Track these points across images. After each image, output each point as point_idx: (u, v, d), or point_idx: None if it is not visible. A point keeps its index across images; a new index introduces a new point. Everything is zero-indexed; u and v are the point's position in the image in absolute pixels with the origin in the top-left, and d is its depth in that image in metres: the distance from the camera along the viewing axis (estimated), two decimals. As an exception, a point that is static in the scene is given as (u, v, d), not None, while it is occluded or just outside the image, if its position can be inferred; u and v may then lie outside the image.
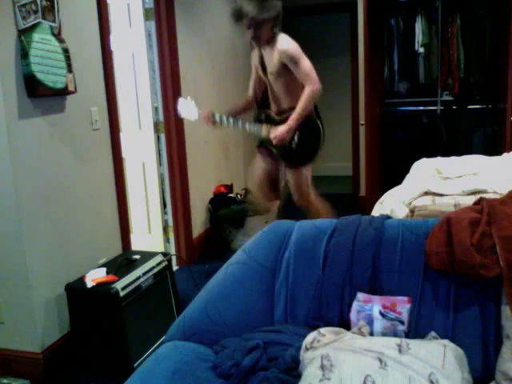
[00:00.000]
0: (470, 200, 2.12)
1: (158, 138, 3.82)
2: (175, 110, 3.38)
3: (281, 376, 1.37)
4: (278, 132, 3.04)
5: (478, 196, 2.03)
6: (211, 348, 1.56)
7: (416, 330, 1.47)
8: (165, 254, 2.90)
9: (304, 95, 3.00)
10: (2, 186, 2.29)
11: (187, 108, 3.17)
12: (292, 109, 3.06)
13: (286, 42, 3.08)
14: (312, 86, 2.99)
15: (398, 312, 1.47)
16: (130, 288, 2.51)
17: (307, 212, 3.41)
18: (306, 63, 3.03)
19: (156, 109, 3.78)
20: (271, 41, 3.11)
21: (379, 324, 1.48)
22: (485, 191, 2.44)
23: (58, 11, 2.42)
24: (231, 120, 3.19)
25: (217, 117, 3.16)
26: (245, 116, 3.38)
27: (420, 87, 5.26)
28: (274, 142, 3.08)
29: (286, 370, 1.40)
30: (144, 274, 2.65)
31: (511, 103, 4.12)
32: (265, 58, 3.15)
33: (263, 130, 3.18)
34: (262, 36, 3.08)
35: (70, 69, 2.48)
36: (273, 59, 3.07)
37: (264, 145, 3.27)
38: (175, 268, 3.79)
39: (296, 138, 3.10)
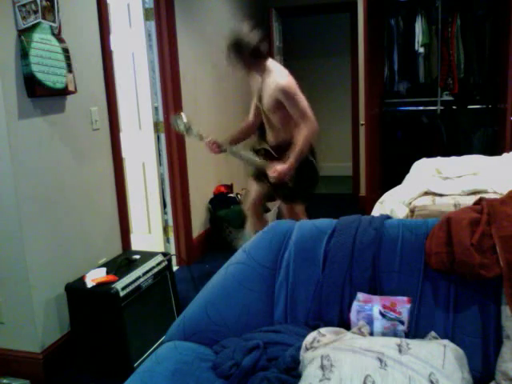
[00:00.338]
0: (469, 200, 2.12)
1: (158, 138, 3.83)
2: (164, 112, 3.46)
3: (281, 376, 1.37)
4: (279, 169, 2.97)
5: (477, 196, 2.03)
6: (211, 348, 1.56)
7: (416, 330, 1.47)
8: (165, 254, 2.90)
9: (301, 135, 2.91)
10: (2, 186, 2.29)
11: (181, 123, 3.12)
12: (287, 141, 3.00)
13: (282, 78, 2.95)
14: (309, 125, 2.91)
15: (398, 312, 1.47)
16: (130, 288, 2.51)
17: None
18: (301, 101, 2.93)
19: (156, 109, 3.78)
20: (261, 70, 3.01)
21: (379, 324, 1.48)
22: (485, 191, 2.44)
23: (58, 11, 2.42)
24: (233, 150, 3.16)
25: (229, 149, 3.16)
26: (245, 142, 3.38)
27: (420, 87, 5.26)
28: (273, 179, 3.02)
29: (286, 369, 1.40)
30: (144, 274, 2.65)
31: (511, 103, 4.12)
32: (263, 88, 3.04)
33: (261, 163, 3.11)
34: (244, 65, 3.00)
35: (70, 69, 2.48)
36: (269, 91, 2.98)
37: (259, 177, 3.20)
38: (175, 268, 3.79)
39: (294, 177, 3.03)
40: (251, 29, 3.01)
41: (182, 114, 3.13)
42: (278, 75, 2.97)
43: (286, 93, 2.91)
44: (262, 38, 3.00)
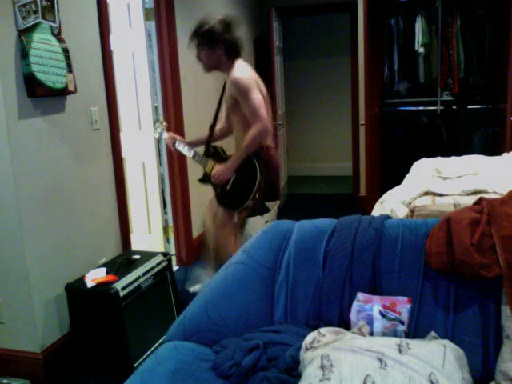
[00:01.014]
0: (469, 200, 2.12)
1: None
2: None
3: (281, 376, 1.37)
4: (218, 169, 2.87)
5: (478, 196, 2.03)
6: (211, 348, 1.56)
7: (416, 330, 1.47)
8: (165, 254, 2.90)
9: (248, 134, 2.74)
10: (1, 186, 2.29)
11: (160, 130, 3.32)
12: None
13: (237, 71, 2.80)
14: (258, 125, 2.70)
15: (397, 312, 1.47)
16: (130, 288, 2.51)
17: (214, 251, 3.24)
18: (255, 97, 2.71)
19: (156, 109, 3.78)
20: (222, 68, 2.89)
21: (379, 324, 1.48)
22: (485, 191, 2.43)
23: (58, 11, 2.42)
24: (185, 149, 3.16)
25: (176, 144, 3.21)
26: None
27: (420, 87, 5.26)
28: (213, 179, 2.92)
29: (286, 369, 1.40)
30: (144, 274, 2.65)
31: (511, 103, 4.12)
32: (226, 86, 2.93)
33: (208, 164, 3.05)
34: (206, 57, 2.89)
35: (70, 69, 2.48)
36: (228, 89, 2.86)
37: (205, 180, 3.10)
38: (175, 268, 3.79)
39: (232, 179, 2.88)
40: (230, 23, 2.90)
41: (163, 124, 3.33)
42: (235, 70, 2.81)
43: (237, 86, 2.74)
44: (236, 36, 2.89)
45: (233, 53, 2.85)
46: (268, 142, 2.91)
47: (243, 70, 2.84)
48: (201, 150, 3.20)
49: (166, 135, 3.28)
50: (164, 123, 3.34)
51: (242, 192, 2.88)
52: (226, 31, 2.85)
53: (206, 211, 3.42)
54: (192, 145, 3.21)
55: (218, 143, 3.20)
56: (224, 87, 3.01)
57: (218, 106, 3.11)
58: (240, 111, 2.84)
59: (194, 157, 3.15)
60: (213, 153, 3.08)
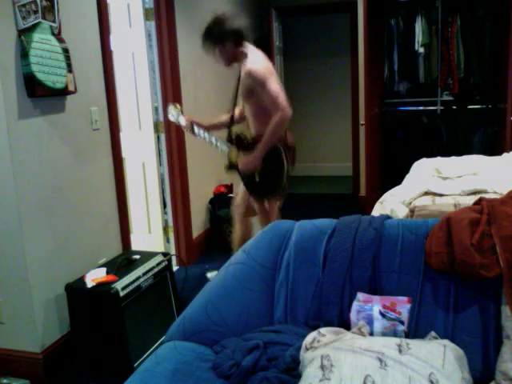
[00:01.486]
0: (469, 200, 2.12)
1: (158, 138, 3.83)
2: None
3: (281, 376, 1.37)
4: (245, 161, 2.89)
5: (478, 196, 2.03)
6: (211, 348, 1.56)
7: (416, 330, 1.47)
8: (165, 254, 2.90)
9: (271, 123, 2.76)
10: (1, 185, 2.29)
11: (175, 114, 3.21)
12: (261, 136, 2.86)
13: (252, 62, 2.82)
14: (280, 113, 2.72)
15: (397, 312, 1.47)
16: (130, 288, 2.51)
17: None
18: (273, 87, 2.74)
19: (156, 109, 3.78)
20: (238, 59, 2.92)
21: (379, 324, 1.48)
22: (485, 191, 2.43)
23: (57, 11, 2.42)
24: (207, 135, 3.12)
25: (195, 130, 3.15)
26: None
27: (420, 87, 5.26)
28: (241, 169, 2.93)
29: (286, 370, 1.40)
30: (144, 274, 2.65)
31: (511, 103, 4.12)
32: (240, 76, 2.95)
33: (232, 153, 3.03)
34: (222, 55, 2.93)
35: (70, 69, 2.48)
36: (242, 79, 2.89)
37: (230, 169, 3.09)
38: (175, 268, 3.79)
39: (260, 169, 2.89)
40: (227, 16, 2.95)
41: (177, 106, 3.22)
42: (249, 61, 2.84)
43: (254, 77, 2.77)
44: (237, 24, 2.92)
45: (241, 40, 2.89)
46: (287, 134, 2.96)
47: (257, 61, 2.86)
48: (218, 134, 3.18)
49: (182, 120, 3.17)
50: (178, 106, 3.24)
51: (271, 180, 2.90)
52: (227, 24, 2.89)
53: (237, 202, 3.36)
54: (211, 128, 3.19)
55: (237, 128, 3.17)
56: (239, 75, 3.02)
57: (235, 92, 3.13)
58: (254, 101, 2.88)
59: (216, 145, 3.11)
60: (236, 139, 3.05)
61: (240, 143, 3.02)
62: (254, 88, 2.81)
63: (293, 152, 3.09)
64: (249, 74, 2.80)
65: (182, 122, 3.18)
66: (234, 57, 2.92)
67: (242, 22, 2.91)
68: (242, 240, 3.19)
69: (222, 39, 2.88)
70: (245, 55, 2.88)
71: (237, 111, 3.19)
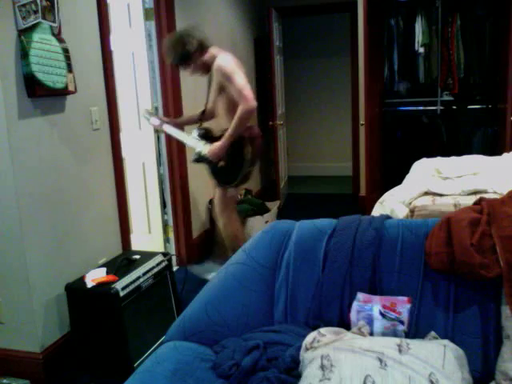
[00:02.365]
0: (469, 200, 2.12)
1: (158, 138, 3.83)
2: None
3: (281, 376, 1.37)
4: (213, 147, 3.10)
5: (478, 196, 2.03)
6: (211, 348, 1.56)
7: (416, 330, 1.47)
8: (165, 254, 2.90)
9: (236, 114, 2.97)
10: (2, 185, 2.29)
11: (147, 116, 3.44)
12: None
13: (220, 60, 3.07)
14: (245, 104, 2.93)
15: (397, 312, 1.47)
16: (130, 288, 2.51)
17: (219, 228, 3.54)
18: (239, 80, 2.96)
19: (156, 109, 3.78)
20: (208, 65, 3.15)
21: (379, 324, 1.48)
22: (485, 191, 2.44)
23: (57, 11, 2.42)
24: (177, 132, 3.36)
25: (167, 128, 3.38)
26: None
27: (420, 87, 5.26)
28: (208, 156, 3.13)
29: (286, 369, 1.40)
30: (144, 273, 2.65)
31: (511, 103, 4.12)
32: (211, 74, 3.20)
33: (202, 146, 3.20)
34: (195, 70, 3.21)
35: (70, 69, 2.48)
36: (214, 77, 3.12)
37: (198, 160, 3.28)
38: (175, 268, 3.79)
39: (224, 157, 3.12)
40: (189, 31, 3.18)
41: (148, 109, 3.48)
42: (218, 60, 3.08)
43: (222, 73, 3.01)
44: (192, 34, 3.15)
45: (204, 49, 3.16)
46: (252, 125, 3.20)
47: (225, 59, 3.09)
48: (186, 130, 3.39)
49: (154, 120, 3.40)
50: (149, 109, 3.48)
51: (233, 168, 3.13)
52: (187, 41, 3.12)
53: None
54: (181, 125, 3.44)
55: (205, 124, 3.43)
56: (211, 75, 3.24)
57: (208, 91, 3.35)
58: (225, 96, 3.10)
59: (186, 141, 3.34)
60: (203, 134, 3.27)
61: (209, 137, 3.24)
62: (223, 83, 3.04)
63: (258, 143, 3.28)
64: (218, 71, 3.04)
65: (154, 122, 3.40)
66: (207, 65, 3.17)
67: (199, 33, 3.16)
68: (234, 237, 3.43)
69: (190, 58, 3.13)
70: (214, 57, 3.12)
71: (208, 107, 3.42)
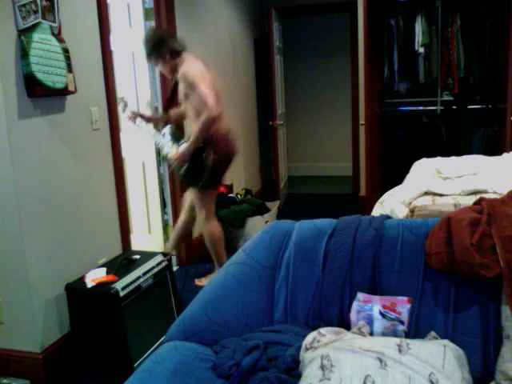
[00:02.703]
0: (469, 200, 2.12)
1: (158, 138, 3.82)
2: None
3: (281, 376, 1.37)
4: (179, 151, 3.17)
5: (478, 196, 2.03)
6: (211, 348, 1.56)
7: (416, 330, 1.47)
8: (165, 254, 2.91)
9: (199, 122, 3.04)
10: (2, 185, 2.29)
11: (121, 105, 3.40)
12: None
13: (186, 67, 3.10)
14: (206, 113, 2.99)
15: (397, 312, 1.47)
16: (130, 288, 2.51)
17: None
18: (201, 88, 3.01)
19: (156, 109, 3.78)
20: (176, 68, 3.20)
21: (379, 324, 1.48)
22: (485, 191, 2.44)
23: (57, 11, 2.42)
24: (147, 127, 3.40)
25: (137, 121, 3.41)
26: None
27: (420, 87, 5.26)
28: (171, 161, 3.24)
29: (286, 369, 1.40)
30: (144, 273, 2.65)
31: (511, 103, 4.12)
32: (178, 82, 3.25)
33: (170, 147, 3.27)
34: (162, 69, 3.29)
35: (70, 69, 2.48)
36: (180, 83, 3.17)
37: (165, 160, 3.41)
38: (175, 268, 3.79)
39: (188, 162, 3.20)
40: (164, 30, 3.31)
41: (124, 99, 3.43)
42: (184, 66, 3.11)
43: (185, 80, 3.06)
44: (170, 35, 3.27)
45: (176, 53, 3.20)
46: (219, 126, 3.19)
47: (191, 66, 3.12)
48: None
49: (127, 113, 3.41)
50: (124, 99, 3.44)
51: (196, 170, 3.20)
52: (165, 39, 3.20)
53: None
54: (151, 121, 3.46)
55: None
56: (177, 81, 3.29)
57: (171, 94, 3.45)
58: (190, 104, 3.14)
59: (155, 138, 3.39)
60: (173, 135, 3.33)
61: (177, 138, 3.31)
62: (187, 91, 3.09)
63: (225, 149, 3.28)
64: (182, 78, 3.08)
65: (126, 113, 3.41)
66: (174, 67, 3.20)
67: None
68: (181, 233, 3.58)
69: (161, 55, 3.19)
70: (182, 63, 3.16)
71: (174, 110, 3.46)
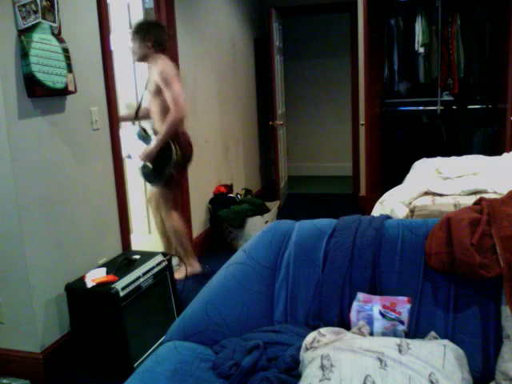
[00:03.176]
0: (469, 200, 2.12)
1: (158, 138, 3.81)
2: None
3: (281, 376, 1.37)
4: (145, 149, 3.26)
5: (478, 196, 2.03)
6: (211, 348, 1.56)
7: (416, 330, 1.47)
8: (165, 254, 2.90)
9: (167, 120, 3.15)
10: (2, 185, 2.29)
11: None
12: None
13: (162, 64, 3.20)
14: (176, 111, 3.12)
15: (397, 312, 1.47)
16: (130, 288, 2.51)
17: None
18: (176, 88, 3.13)
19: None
20: (146, 59, 3.29)
21: (379, 324, 1.48)
22: (485, 191, 2.44)
23: (57, 11, 2.42)
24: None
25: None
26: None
27: (420, 87, 5.26)
28: (139, 158, 3.32)
29: (286, 369, 1.40)
30: (144, 273, 2.65)
31: (511, 103, 4.12)
32: (149, 75, 3.33)
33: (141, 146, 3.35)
34: (135, 50, 3.32)
35: (70, 69, 2.48)
36: (151, 77, 3.26)
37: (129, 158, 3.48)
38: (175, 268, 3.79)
39: (153, 158, 3.28)
40: (161, 24, 3.41)
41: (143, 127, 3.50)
42: (159, 63, 3.20)
43: (163, 75, 3.14)
44: (165, 30, 3.35)
45: (159, 48, 3.28)
46: (182, 127, 3.35)
47: (167, 64, 3.23)
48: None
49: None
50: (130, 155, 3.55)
51: (161, 169, 3.30)
52: (156, 29, 3.28)
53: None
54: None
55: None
56: (149, 76, 3.37)
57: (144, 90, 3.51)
58: (160, 100, 3.23)
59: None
60: (140, 133, 3.40)
61: (144, 137, 3.39)
62: (161, 86, 3.17)
63: (187, 149, 3.42)
64: (158, 74, 3.17)
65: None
66: (146, 56, 3.29)
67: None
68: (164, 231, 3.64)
69: (144, 38, 3.25)
70: (155, 58, 3.25)
71: (143, 107, 3.53)
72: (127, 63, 3.69)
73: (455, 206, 2.36)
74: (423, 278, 1.51)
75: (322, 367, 1.24)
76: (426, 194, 2.53)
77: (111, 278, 2.51)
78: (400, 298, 1.49)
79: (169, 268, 2.88)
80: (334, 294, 1.57)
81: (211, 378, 1.42)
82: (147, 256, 2.82)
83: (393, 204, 2.57)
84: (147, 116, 3.50)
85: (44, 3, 2.33)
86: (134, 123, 3.49)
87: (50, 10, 2.37)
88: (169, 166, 3.25)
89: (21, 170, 2.30)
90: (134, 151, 3.33)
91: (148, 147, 3.24)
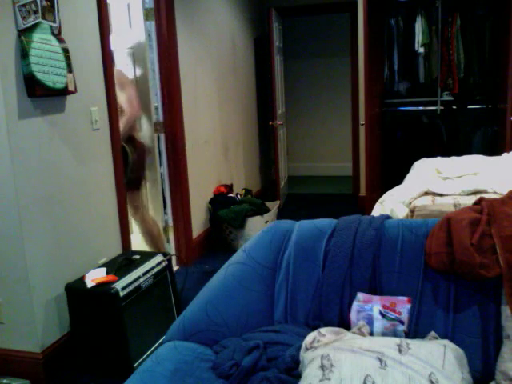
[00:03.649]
0: (469, 200, 2.12)
1: (158, 138, 3.82)
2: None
3: (281, 376, 1.37)
4: None
5: (478, 196, 2.03)
6: (211, 348, 1.56)
7: (416, 330, 1.47)
8: (165, 254, 2.90)
9: (121, 121, 3.27)
10: (2, 185, 2.29)
11: None
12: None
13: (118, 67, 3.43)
14: (130, 112, 3.38)
15: (397, 312, 1.47)
16: (130, 288, 2.51)
17: None
18: (131, 90, 3.39)
19: (156, 109, 3.78)
20: None
21: (379, 324, 1.48)
22: (485, 191, 2.44)
23: (57, 11, 2.42)
24: None
25: None
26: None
27: (420, 87, 5.26)
28: None
29: (286, 369, 1.40)
30: (144, 273, 2.65)
31: (511, 103, 4.12)
32: None
33: None
34: None
35: (70, 69, 2.48)
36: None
37: None
38: (175, 268, 3.79)
39: None
40: None
41: None
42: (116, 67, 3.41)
43: (118, 77, 3.26)
44: None
45: None
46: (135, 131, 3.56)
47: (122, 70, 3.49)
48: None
49: None
50: None
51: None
52: None
53: None
54: None
55: None
56: None
57: None
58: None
59: None
60: None
61: None
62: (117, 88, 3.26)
63: (140, 151, 3.61)
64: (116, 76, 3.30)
65: None
66: None
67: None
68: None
69: None
70: None
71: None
72: (127, 63, 3.68)
73: (455, 206, 2.36)
74: (423, 278, 1.51)
75: (322, 367, 1.24)
76: (426, 194, 2.53)
77: (111, 277, 2.51)
78: (400, 298, 1.49)
79: (169, 268, 2.88)
80: (334, 294, 1.57)
81: (211, 377, 1.42)
82: (147, 256, 2.82)
83: (393, 204, 2.57)
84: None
85: (44, 3, 2.33)
86: None
87: (50, 10, 2.37)
88: (126, 170, 3.34)
89: (21, 170, 2.30)
90: None
91: None
